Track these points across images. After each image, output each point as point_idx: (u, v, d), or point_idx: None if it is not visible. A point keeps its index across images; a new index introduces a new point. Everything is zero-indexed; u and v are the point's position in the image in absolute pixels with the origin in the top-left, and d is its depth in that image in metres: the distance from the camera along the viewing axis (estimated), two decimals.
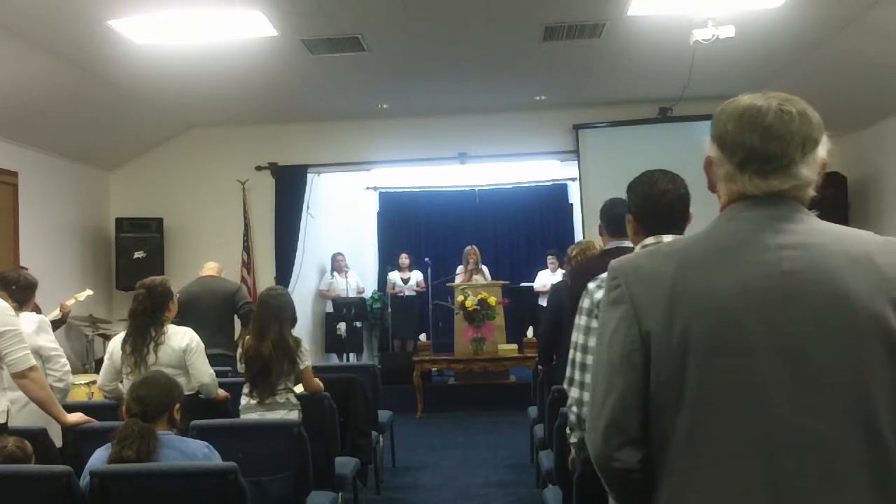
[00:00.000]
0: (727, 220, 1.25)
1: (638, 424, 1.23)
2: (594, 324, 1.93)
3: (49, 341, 3.58)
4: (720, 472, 1.16)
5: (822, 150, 1.24)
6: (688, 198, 2.05)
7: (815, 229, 1.20)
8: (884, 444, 1.12)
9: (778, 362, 1.14)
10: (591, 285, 2.03)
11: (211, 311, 5.36)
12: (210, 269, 5.71)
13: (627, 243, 2.65)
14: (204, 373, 3.58)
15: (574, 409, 2.00)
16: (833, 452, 1.12)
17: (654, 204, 2.03)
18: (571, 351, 2.02)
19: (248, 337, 3.74)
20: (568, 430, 2.12)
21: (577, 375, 1.97)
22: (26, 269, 4.56)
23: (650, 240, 2.01)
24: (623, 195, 2.22)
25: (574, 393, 1.97)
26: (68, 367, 3.63)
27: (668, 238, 1.97)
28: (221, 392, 3.76)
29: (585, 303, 2.00)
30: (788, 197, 1.22)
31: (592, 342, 1.92)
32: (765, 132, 1.21)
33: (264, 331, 3.65)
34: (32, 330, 3.50)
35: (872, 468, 1.11)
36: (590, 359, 1.93)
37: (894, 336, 1.12)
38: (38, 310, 4.07)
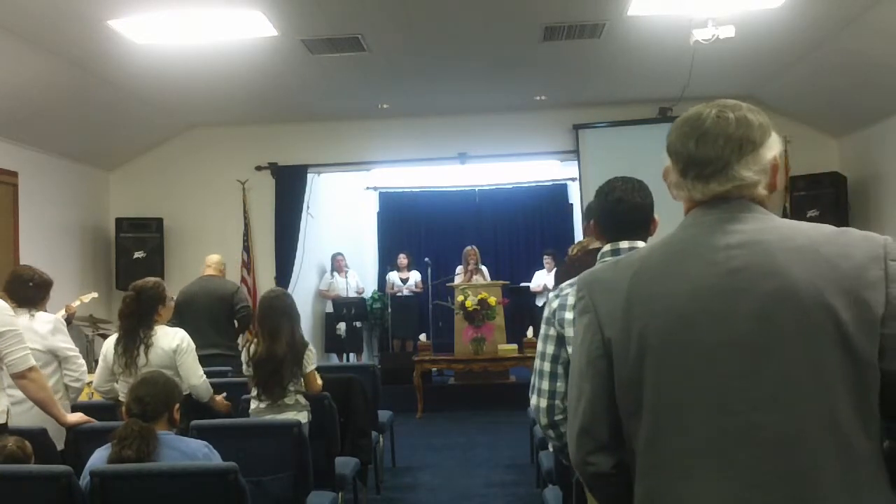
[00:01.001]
0: (683, 227, 1.29)
1: (608, 430, 1.26)
2: (552, 332, 1.98)
3: (64, 342, 3.57)
4: (684, 473, 1.17)
5: (769, 152, 1.25)
6: (645, 206, 2.07)
7: (764, 227, 1.21)
8: (845, 438, 1.12)
9: (732, 360, 1.15)
10: (550, 294, 2.07)
11: (208, 311, 5.36)
12: (210, 265, 5.69)
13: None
14: (193, 374, 3.54)
15: (536, 415, 2.03)
16: (793, 447, 1.12)
17: (609, 212, 2.08)
18: (535, 360, 2.05)
19: (254, 341, 3.70)
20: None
21: (536, 382, 1.99)
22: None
23: (607, 247, 2.07)
24: None
25: (532, 400, 2.00)
26: (85, 368, 3.63)
27: (623, 245, 2.03)
28: (221, 399, 3.73)
29: (546, 311, 2.04)
30: (735, 198, 1.24)
31: (550, 349, 1.97)
32: (700, 137, 1.25)
33: (276, 332, 3.62)
34: (48, 330, 3.49)
35: (834, 463, 1.11)
36: (546, 366, 1.97)
37: (844, 327, 1.12)
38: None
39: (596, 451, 1.27)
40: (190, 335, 3.64)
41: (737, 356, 1.15)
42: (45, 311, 3.65)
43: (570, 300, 1.97)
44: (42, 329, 3.47)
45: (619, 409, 1.24)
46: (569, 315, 1.96)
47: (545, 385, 1.96)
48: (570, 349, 1.93)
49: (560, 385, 1.94)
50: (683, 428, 1.17)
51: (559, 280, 3.16)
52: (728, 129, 1.23)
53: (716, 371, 1.16)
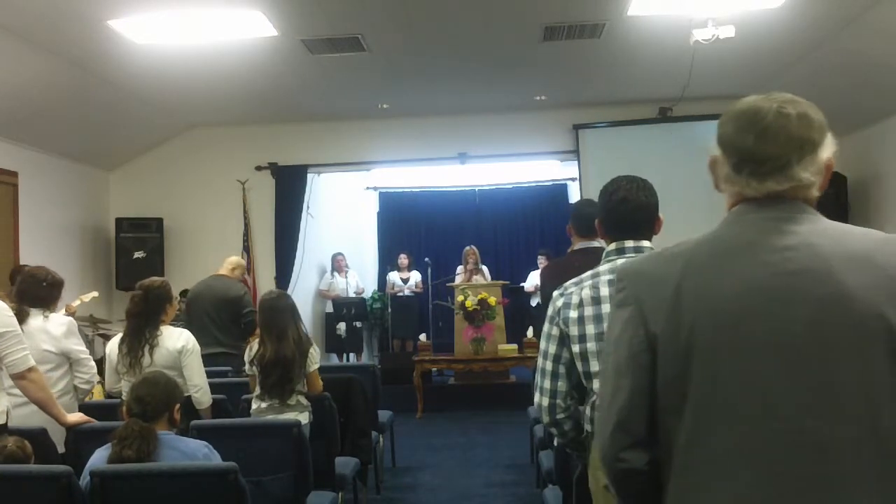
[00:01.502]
0: (732, 223, 1.25)
1: (645, 425, 1.23)
2: (554, 331, 1.98)
3: (77, 344, 3.57)
4: (723, 473, 1.15)
5: (825, 153, 1.23)
6: (650, 206, 2.07)
7: (819, 230, 1.19)
8: (886, 446, 1.10)
9: (780, 363, 1.13)
10: (555, 293, 2.06)
11: (212, 309, 5.36)
12: (225, 265, 5.67)
13: (596, 244, 2.70)
14: (197, 374, 3.53)
15: (538, 413, 2.03)
16: (835, 454, 1.10)
17: (613, 211, 2.07)
18: (538, 358, 2.05)
19: (257, 343, 3.68)
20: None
21: (538, 380, 1.99)
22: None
23: (612, 246, 2.06)
24: None
25: (535, 397, 2.00)
26: (95, 370, 3.65)
27: (629, 244, 2.02)
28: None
29: (549, 310, 2.04)
30: (790, 198, 1.22)
31: (552, 348, 1.97)
32: (760, 134, 1.20)
33: (283, 334, 3.61)
34: (61, 333, 3.49)
35: (872, 471, 1.10)
36: (548, 365, 1.98)
37: None
38: None
39: (631, 448, 1.23)
40: (194, 333, 3.64)
41: (786, 360, 1.13)
42: (55, 311, 3.66)
43: (575, 299, 1.98)
44: (56, 331, 3.48)
45: (658, 405, 1.21)
46: (573, 314, 1.96)
47: (546, 384, 1.97)
48: (574, 348, 1.94)
49: (561, 384, 1.95)
50: (726, 428, 1.15)
51: (545, 279, 3.17)
52: (789, 127, 1.20)
53: (764, 374, 1.14)
